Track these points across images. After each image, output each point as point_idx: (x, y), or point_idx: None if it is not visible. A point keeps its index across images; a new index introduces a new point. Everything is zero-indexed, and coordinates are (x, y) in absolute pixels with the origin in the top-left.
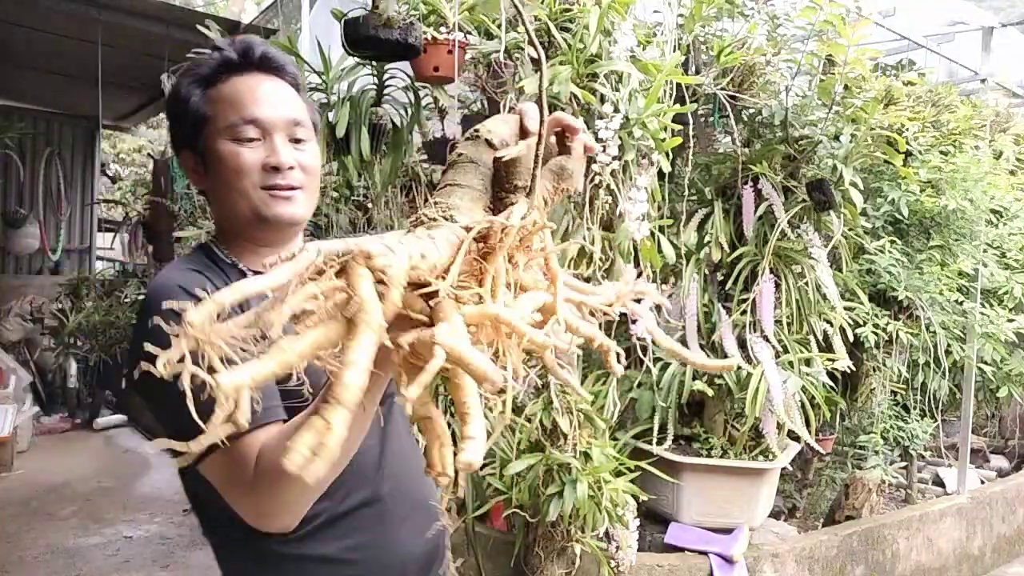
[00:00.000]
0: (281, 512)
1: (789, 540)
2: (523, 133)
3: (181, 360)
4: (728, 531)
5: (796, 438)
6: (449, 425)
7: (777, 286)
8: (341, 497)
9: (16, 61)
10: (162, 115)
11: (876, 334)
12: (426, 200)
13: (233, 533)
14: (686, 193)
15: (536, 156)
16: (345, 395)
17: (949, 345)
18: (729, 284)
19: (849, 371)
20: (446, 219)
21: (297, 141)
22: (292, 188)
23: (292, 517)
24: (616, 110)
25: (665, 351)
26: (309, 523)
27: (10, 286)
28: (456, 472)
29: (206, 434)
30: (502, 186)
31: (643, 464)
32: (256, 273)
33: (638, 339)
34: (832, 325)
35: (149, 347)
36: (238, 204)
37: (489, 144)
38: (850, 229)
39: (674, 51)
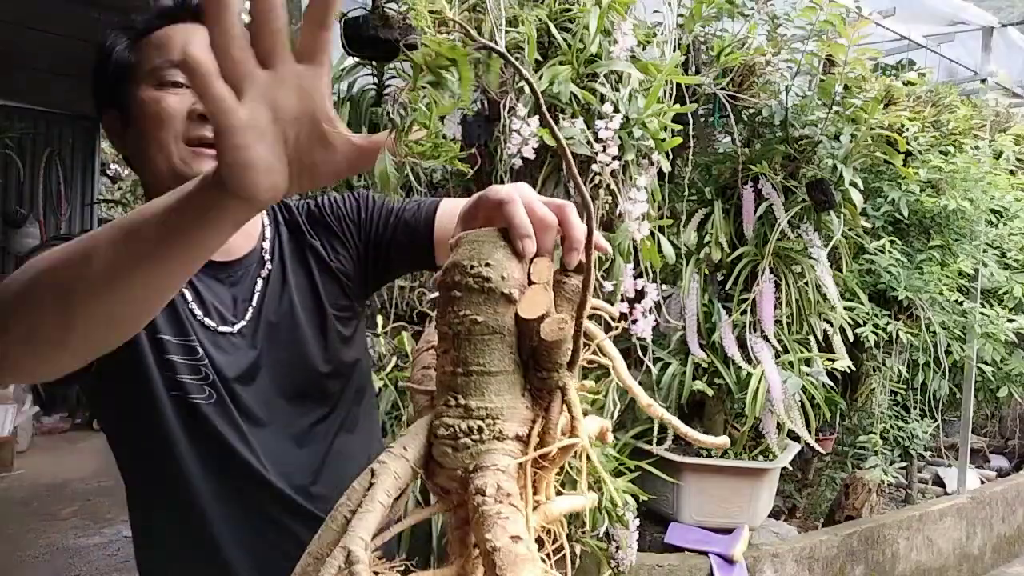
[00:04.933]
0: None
1: (789, 540)
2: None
3: None
4: (728, 531)
5: (796, 438)
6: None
7: (777, 286)
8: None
9: (16, 61)
10: None
11: (876, 334)
12: (450, 401)
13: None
14: (686, 193)
15: (579, 324)
16: None
17: (949, 345)
18: (729, 284)
19: (849, 371)
20: (495, 436)
21: None
22: None
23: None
24: (616, 110)
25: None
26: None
27: None
28: None
29: None
30: (542, 365)
31: (643, 464)
32: None
33: (638, 339)
34: (832, 325)
35: None
36: (156, 161)
37: (507, 298)
38: (850, 229)
39: (674, 51)
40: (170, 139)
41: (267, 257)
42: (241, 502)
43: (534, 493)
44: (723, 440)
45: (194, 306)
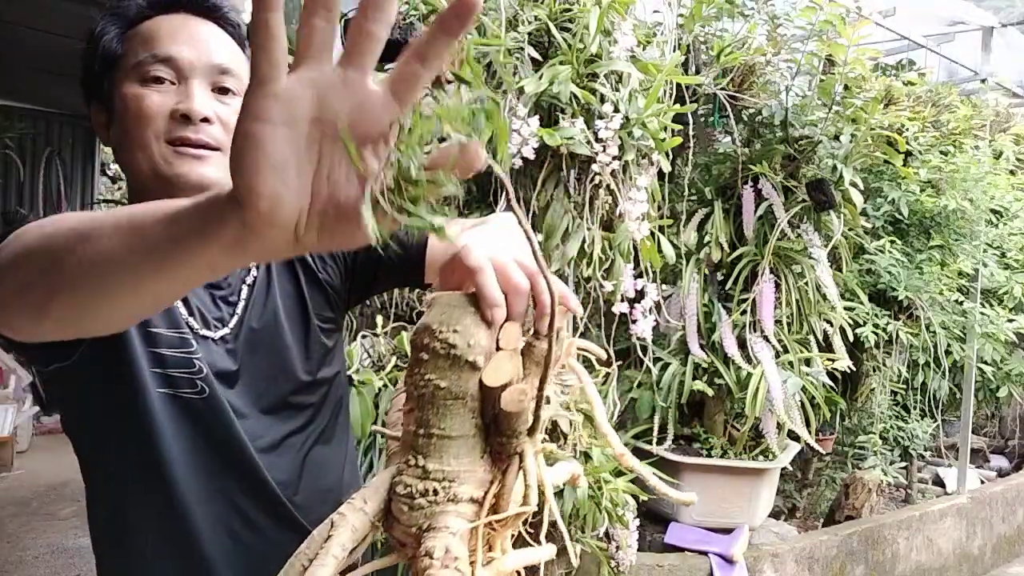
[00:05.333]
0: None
1: (789, 540)
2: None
3: None
4: (728, 531)
5: (796, 438)
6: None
7: (777, 286)
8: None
9: (16, 61)
10: None
11: (876, 334)
12: (410, 461)
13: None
14: (686, 193)
15: (540, 395)
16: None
17: (949, 345)
18: (729, 284)
19: (849, 371)
20: (450, 499)
21: (223, 92)
22: (205, 146)
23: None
24: (616, 110)
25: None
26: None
27: None
28: None
29: None
30: (502, 431)
31: (643, 464)
32: None
33: (638, 339)
34: (832, 325)
35: None
36: (137, 160)
37: (471, 365)
38: (850, 229)
39: (674, 51)
40: (151, 138)
41: (252, 263)
42: (227, 503)
43: (489, 550)
44: (690, 497)
45: (179, 304)
